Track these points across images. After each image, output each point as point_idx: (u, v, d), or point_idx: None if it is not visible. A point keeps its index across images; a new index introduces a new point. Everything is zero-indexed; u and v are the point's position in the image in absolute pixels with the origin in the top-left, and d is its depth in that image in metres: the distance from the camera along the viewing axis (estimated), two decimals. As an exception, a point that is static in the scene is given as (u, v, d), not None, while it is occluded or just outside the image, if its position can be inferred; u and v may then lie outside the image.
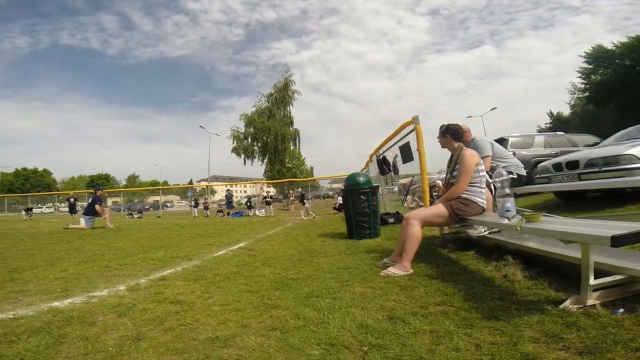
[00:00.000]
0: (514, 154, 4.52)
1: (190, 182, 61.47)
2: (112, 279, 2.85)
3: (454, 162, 2.91)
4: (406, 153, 5.62)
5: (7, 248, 5.00)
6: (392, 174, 7.22)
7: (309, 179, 26.95)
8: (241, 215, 16.74)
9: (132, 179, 78.53)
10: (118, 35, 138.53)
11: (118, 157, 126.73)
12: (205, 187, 32.16)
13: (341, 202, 8.55)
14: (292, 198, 20.31)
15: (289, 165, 30.82)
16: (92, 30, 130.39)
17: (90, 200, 9.41)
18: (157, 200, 31.11)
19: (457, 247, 3.16)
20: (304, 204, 16.22)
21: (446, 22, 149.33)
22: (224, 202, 19.67)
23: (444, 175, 3.20)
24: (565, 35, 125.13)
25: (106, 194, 35.62)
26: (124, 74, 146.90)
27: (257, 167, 36.10)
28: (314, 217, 11.55)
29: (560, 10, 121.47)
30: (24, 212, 19.22)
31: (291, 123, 29.09)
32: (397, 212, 6.30)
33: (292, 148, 29.87)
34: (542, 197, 7.23)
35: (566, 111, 42.34)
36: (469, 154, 2.77)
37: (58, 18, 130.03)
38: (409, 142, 5.39)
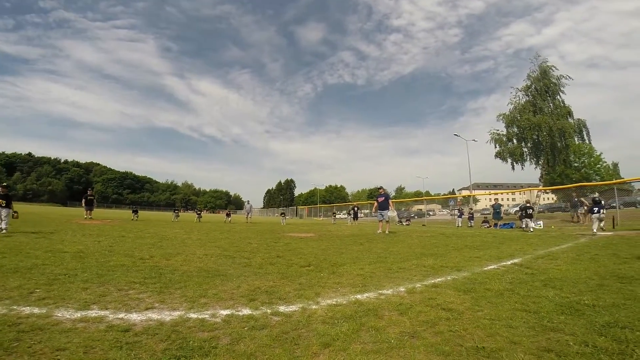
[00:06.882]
0: None
1: (452, 192, 61.50)
2: (394, 280, 3.59)
3: None
4: None
5: (327, 247, 6.83)
6: None
7: (612, 182, 19.62)
8: (511, 227, 14.96)
9: (400, 190, 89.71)
10: (359, 67, 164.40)
11: (388, 172, 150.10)
12: (466, 196, 31.23)
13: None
14: (585, 207, 15.66)
15: (577, 164, 23.91)
16: (341, 67, 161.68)
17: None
18: (421, 209, 33.71)
19: None
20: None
21: None
22: (488, 212, 18.28)
23: None
24: None
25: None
26: (377, 98, 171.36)
27: (529, 172, 30.96)
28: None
29: None
30: (332, 219, 27.48)
31: (569, 114, 22.90)
32: None
33: (576, 142, 23.22)
34: None
35: None
36: None
37: (317, 64, 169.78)
38: None
